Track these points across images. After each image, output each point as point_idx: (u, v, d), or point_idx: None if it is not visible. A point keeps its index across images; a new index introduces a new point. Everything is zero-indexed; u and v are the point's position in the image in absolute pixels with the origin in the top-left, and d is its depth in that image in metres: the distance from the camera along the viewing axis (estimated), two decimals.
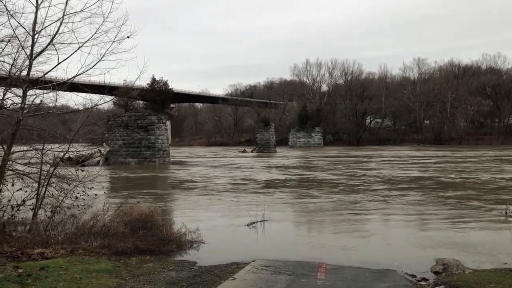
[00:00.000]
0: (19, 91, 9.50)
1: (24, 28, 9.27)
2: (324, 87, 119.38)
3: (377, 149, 73.71)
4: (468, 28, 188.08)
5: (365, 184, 22.23)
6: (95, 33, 9.38)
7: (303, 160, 45.40)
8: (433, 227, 12.10)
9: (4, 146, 9.32)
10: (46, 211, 9.37)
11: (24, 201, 9.33)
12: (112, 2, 9.27)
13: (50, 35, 9.38)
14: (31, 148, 9.67)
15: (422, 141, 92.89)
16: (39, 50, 9.42)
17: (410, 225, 12.74)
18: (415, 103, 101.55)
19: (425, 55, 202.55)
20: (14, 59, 9.48)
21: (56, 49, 9.45)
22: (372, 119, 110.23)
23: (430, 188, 20.09)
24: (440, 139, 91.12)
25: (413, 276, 7.65)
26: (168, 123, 56.78)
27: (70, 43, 9.47)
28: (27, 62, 9.40)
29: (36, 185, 9.38)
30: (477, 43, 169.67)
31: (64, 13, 9.24)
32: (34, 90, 9.82)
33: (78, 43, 9.46)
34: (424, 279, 7.48)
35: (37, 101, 9.92)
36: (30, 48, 9.31)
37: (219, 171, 32.29)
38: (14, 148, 9.48)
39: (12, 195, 9.32)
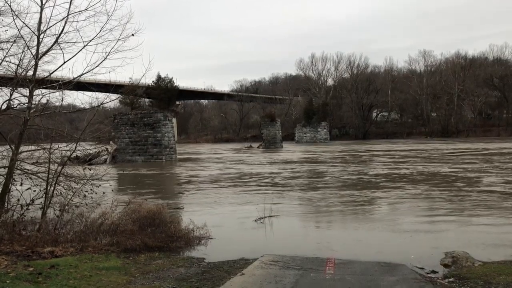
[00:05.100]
0: (26, 91, 9.57)
1: (29, 28, 9.34)
2: (330, 81, 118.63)
3: (397, 142, 73.18)
4: (475, 19, 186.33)
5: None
6: (100, 31, 9.45)
7: (307, 155, 45.33)
8: (442, 219, 12.06)
9: (12, 146, 9.40)
10: (55, 210, 9.43)
11: (33, 200, 9.40)
12: (116, 0, 9.30)
13: (55, 34, 9.45)
14: (38, 148, 9.74)
15: (429, 134, 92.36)
16: (44, 49, 9.49)
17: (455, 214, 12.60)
18: (421, 95, 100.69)
19: (431, 47, 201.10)
20: (20, 59, 9.57)
21: (61, 48, 9.53)
22: (378, 112, 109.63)
23: None
24: (448, 132, 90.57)
25: (422, 269, 7.62)
26: (174, 120, 56.99)
27: (75, 42, 9.54)
28: (33, 62, 9.46)
29: (44, 184, 9.44)
30: (484, 34, 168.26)
31: (68, 12, 9.30)
32: (41, 89, 9.91)
33: (83, 42, 9.53)
34: (433, 272, 7.46)
35: (44, 100, 10.04)
36: (35, 48, 9.37)
37: (225, 166, 32.33)
38: (22, 148, 9.56)
39: (21, 194, 9.40)
